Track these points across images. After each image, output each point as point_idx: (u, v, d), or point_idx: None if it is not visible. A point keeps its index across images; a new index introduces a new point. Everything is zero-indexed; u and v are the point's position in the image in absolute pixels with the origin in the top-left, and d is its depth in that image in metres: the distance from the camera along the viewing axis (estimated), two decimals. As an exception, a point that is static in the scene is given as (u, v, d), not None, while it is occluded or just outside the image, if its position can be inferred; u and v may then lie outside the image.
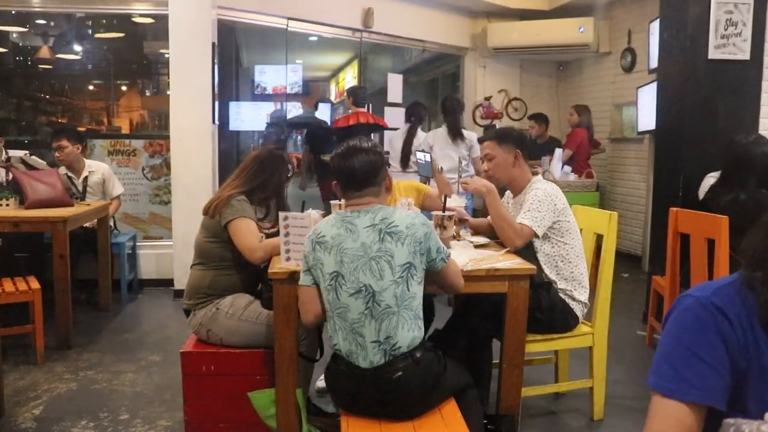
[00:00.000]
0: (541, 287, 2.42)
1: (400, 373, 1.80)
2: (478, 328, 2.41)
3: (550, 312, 2.43)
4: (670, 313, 0.96)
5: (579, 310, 2.53)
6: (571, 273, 2.49)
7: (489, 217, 2.71)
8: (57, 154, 4.27)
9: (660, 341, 0.97)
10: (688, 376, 0.89)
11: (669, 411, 0.88)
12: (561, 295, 2.49)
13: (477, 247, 2.55)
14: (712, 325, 0.90)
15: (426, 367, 1.84)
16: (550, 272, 2.50)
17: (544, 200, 2.44)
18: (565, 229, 2.48)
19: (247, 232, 2.37)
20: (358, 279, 1.83)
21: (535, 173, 2.71)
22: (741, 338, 0.89)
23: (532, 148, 5.33)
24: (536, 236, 2.44)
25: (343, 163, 1.97)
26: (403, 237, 1.85)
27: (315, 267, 1.91)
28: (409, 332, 1.83)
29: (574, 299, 2.50)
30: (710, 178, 3.27)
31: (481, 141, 2.75)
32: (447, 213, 2.42)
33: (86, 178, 4.37)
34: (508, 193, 2.79)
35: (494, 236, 2.67)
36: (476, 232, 2.81)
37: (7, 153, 4.16)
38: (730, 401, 0.90)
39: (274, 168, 2.55)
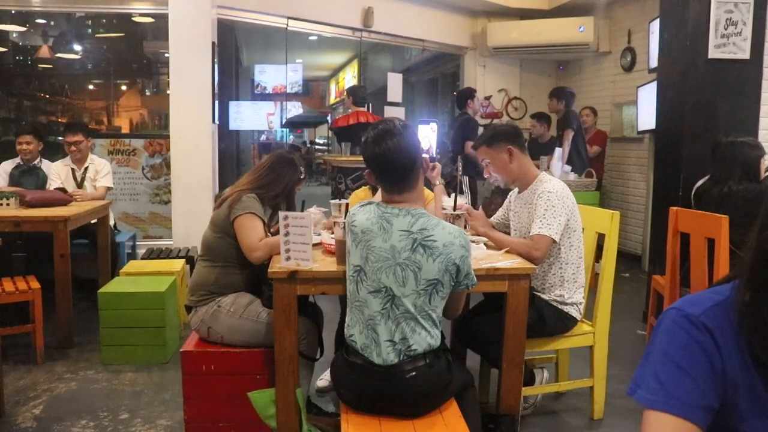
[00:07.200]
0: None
1: (413, 374, 1.78)
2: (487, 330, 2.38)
3: (540, 324, 2.39)
4: (659, 324, 0.96)
5: (575, 311, 2.50)
6: (572, 275, 2.46)
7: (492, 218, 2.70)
8: (73, 148, 4.26)
9: (646, 353, 0.97)
10: (673, 390, 0.89)
11: (658, 423, 0.88)
12: (552, 304, 2.45)
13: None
14: (701, 344, 0.90)
15: (439, 372, 1.83)
16: (543, 277, 2.47)
17: (556, 203, 2.35)
18: (572, 228, 2.44)
19: (250, 230, 2.37)
20: (379, 279, 1.80)
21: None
22: (727, 362, 0.89)
23: (534, 148, 5.34)
24: (555, 243, 2.36)
25: (375, 149, 1.83)
26: (437, 254, 1.77)
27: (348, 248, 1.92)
28: (426, 338, 1.81)
29: (565, 303, 2.46)
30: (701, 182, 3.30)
31: (475, 149, 2.65)
32: (456, 212, 2.43)
33: (86, 168, 4.39)
34: (512, 192, 2.73)
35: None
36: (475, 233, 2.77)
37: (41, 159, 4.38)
38: (720, 425, 0.89)
39: (283, 169, 2.58)
